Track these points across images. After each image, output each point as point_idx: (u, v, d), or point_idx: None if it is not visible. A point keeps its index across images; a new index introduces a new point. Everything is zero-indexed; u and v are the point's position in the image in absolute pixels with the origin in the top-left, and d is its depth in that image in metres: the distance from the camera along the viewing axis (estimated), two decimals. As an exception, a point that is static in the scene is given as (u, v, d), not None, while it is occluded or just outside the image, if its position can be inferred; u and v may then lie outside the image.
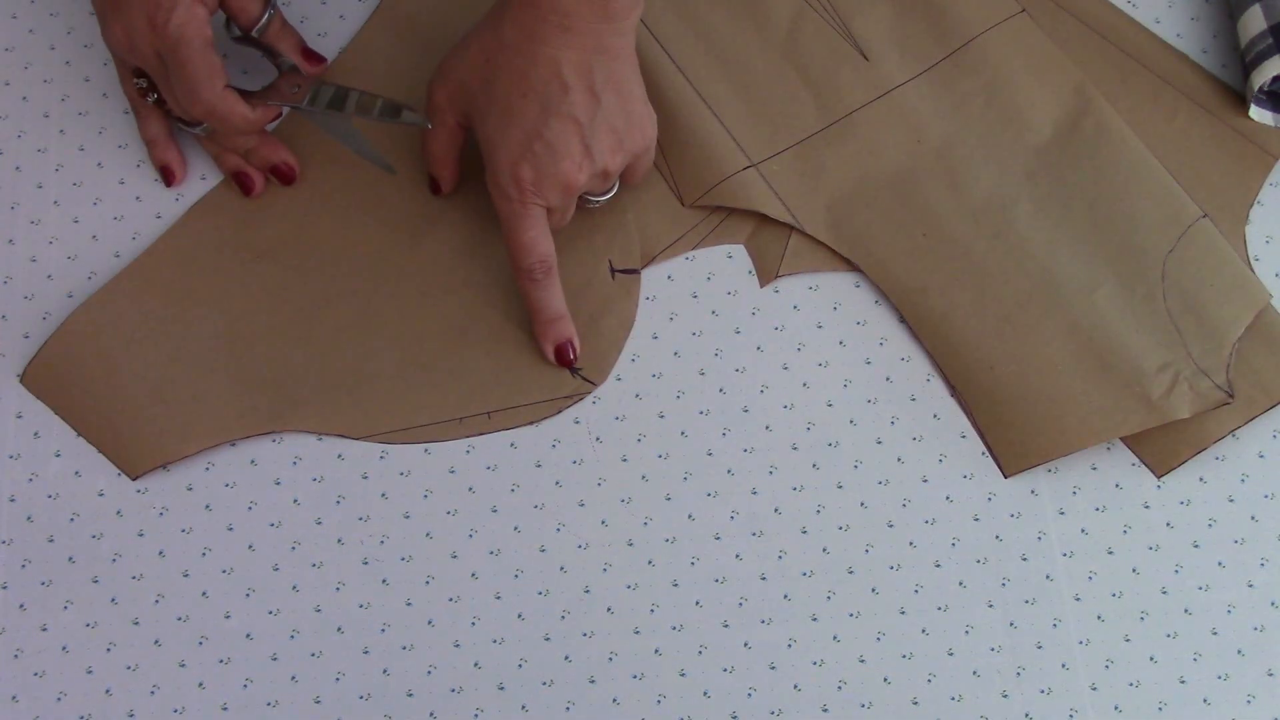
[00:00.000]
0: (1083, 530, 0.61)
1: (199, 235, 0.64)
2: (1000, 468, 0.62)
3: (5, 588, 0.58)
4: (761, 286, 0.65)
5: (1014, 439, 0.61)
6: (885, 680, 0.58)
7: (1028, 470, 0.61)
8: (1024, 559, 0.60)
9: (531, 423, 0.61)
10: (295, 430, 0.60)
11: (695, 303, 0.64)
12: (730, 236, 0.65)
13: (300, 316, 0.63)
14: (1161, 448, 0.62)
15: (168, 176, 0.65)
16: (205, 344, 0.62)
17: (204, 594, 0.58)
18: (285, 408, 0.61)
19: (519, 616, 0.59)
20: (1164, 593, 0.60)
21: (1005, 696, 0.58)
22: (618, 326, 0.63)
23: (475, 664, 0.58)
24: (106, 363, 0.61)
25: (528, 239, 0.59)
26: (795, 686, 0.58)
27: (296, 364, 0.62)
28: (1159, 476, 0.62)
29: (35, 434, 0.60)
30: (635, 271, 0.64)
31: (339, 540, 0.59)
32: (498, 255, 0.64)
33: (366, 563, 0.59)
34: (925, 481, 0.62)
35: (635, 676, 0.58)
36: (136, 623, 0.58)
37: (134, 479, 0.60)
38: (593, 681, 0.58)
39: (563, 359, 0.62)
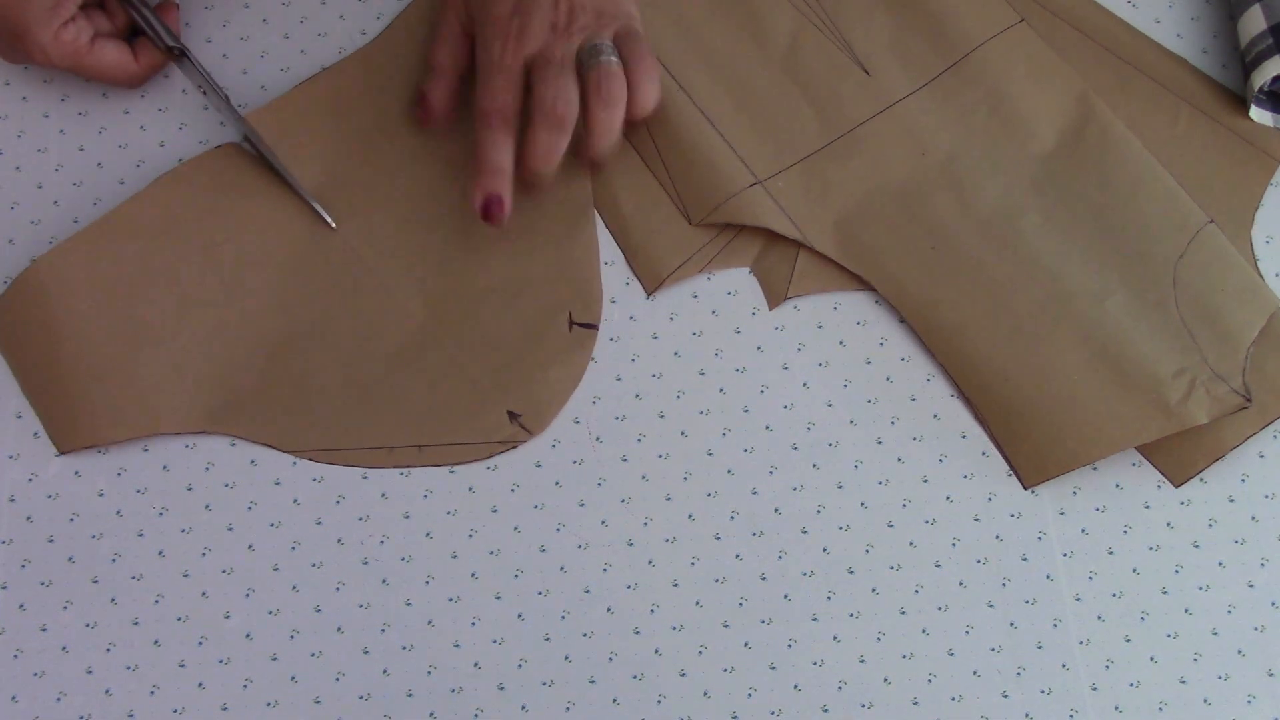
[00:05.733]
0: (1083, 530, 0.61)
1: (161, 208, 0.62)
2: (1020, 479, 0.62)
3: (5, 588, 0.58)
4: (771, 309, 0.64)
5: (1033, 450, 0.61)
6: (885, 680, 0.58)
7: (1048, 481, 0.61)
8: (1024, 559, 0.60)
9: (461, 463, 0.60)
10: (226, 434, 0.60)
11: (695, 303, 0.64)
12: (738, 258, 0.65)
13: (250, 317, 0.61)
14: (1178, 457, 0.62)
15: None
16: (150, 327, 0.60)
17: (204, 594, 0.58)
18: (221, 408, 0.60)
19: (519, 616, 0.59)
20: (1164, 593, 0.60)
21: (1005, 696, 0.58)
22: (565, 379, 0.62)
23: (475, 664, 0.58)
24: (49, 331, 0.60)
25: (493, 84, 0.61)
26: (795, 686, 0.58)
27: (239, 365, 0.60)
28: (1176, 486, 0.62)
29: (35, 434, 0.60)
30: (593, 327, 0.63)
31: (339, 540, 0.59)
32: (454, 287, 0.63)
33: (366, 563, 0.59)
34: (925, 481, 0.62)
35: (635, 676, 0.58)
36: (136, 623, 0.58)
37: (60, 454, 0.59)
38: (593, 681, 0.58)
39: (488, 213, 0.60)
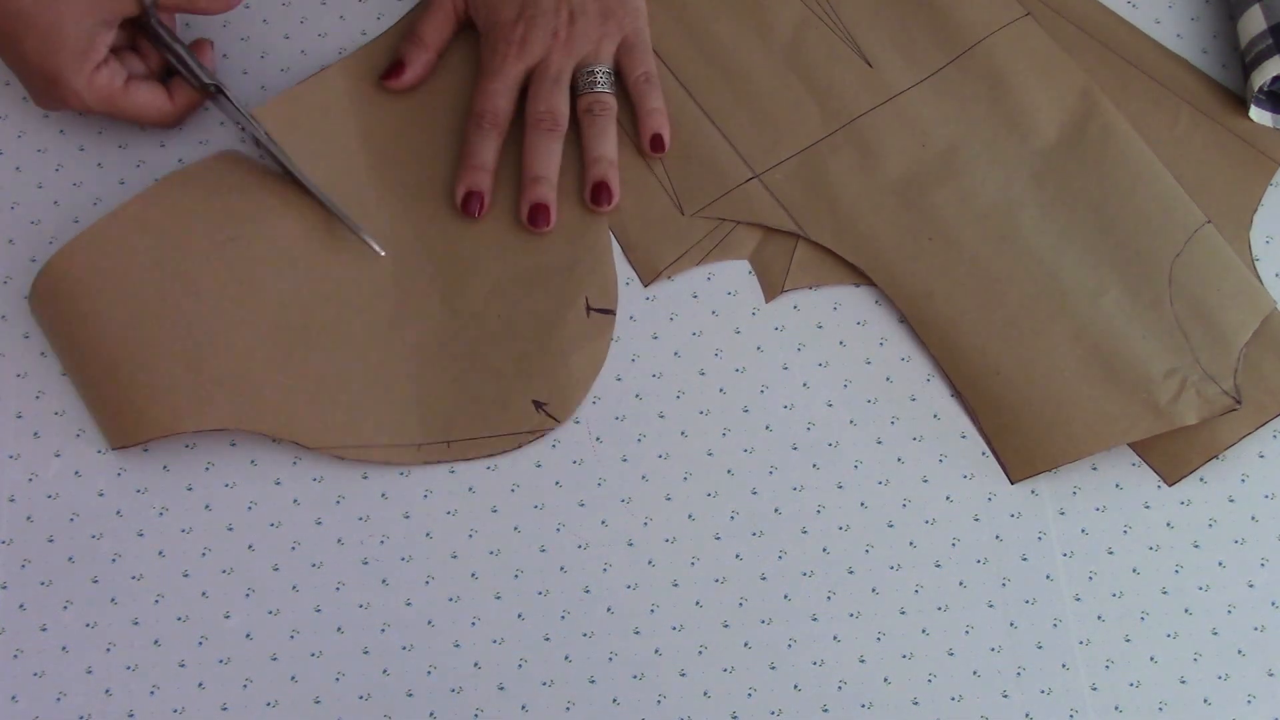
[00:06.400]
0: (1083, 530, 0.61)
1: (171, 204, 0.62)
2: (1007, 474, 0.62)
3: (5, 588, 0.58)
4: (767, 301, 0.64)
5: (1020, 445, 0.61)
6: (885, 680, 0.58)
7: (1035, 477, 0.61)
8: (1024, 559, 0.60)
9: (491, 455, 0.61)
10: (250, 431, 0.59)
11: (695, 303, 0.64)
12: (736, 250, 0.65)
13: (267, 312, 0.61)
14: (1172, 455, 0.62)
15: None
16: (165, 325, 0.59)
17: (204, 594, 0.58)
18: (242, 406, 0.59)
19: (519, 616, 0.59)
20: (1164, 593, 0.60)
21: (1005, 696, 0.58)
22: (587, 365, 0.62)
23: (475, 664, 0.58)
24: (66, 332, 0.60)
25: (490, 88, 0.64)
26: (795, 686, 0.58)
27: (258, 361, 0.60)
28: (1170, 484, 0.62)
29: (35, 434, 0.60)
30: (610, 312, 0.63)
31: (339, 540, 0.59)
32: (469, 281, 0.63)
33: (366, 563, 0.59)
34: (925, 481, 0.62)
35: (635, 676, 0.58)
36: (136, 623, 0.58)
37: (114, 449, 0.60)
38: (593, 681, 0.58)
39: (467, 207, 0.63)
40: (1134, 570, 0.60)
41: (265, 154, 0.64)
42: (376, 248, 0.63)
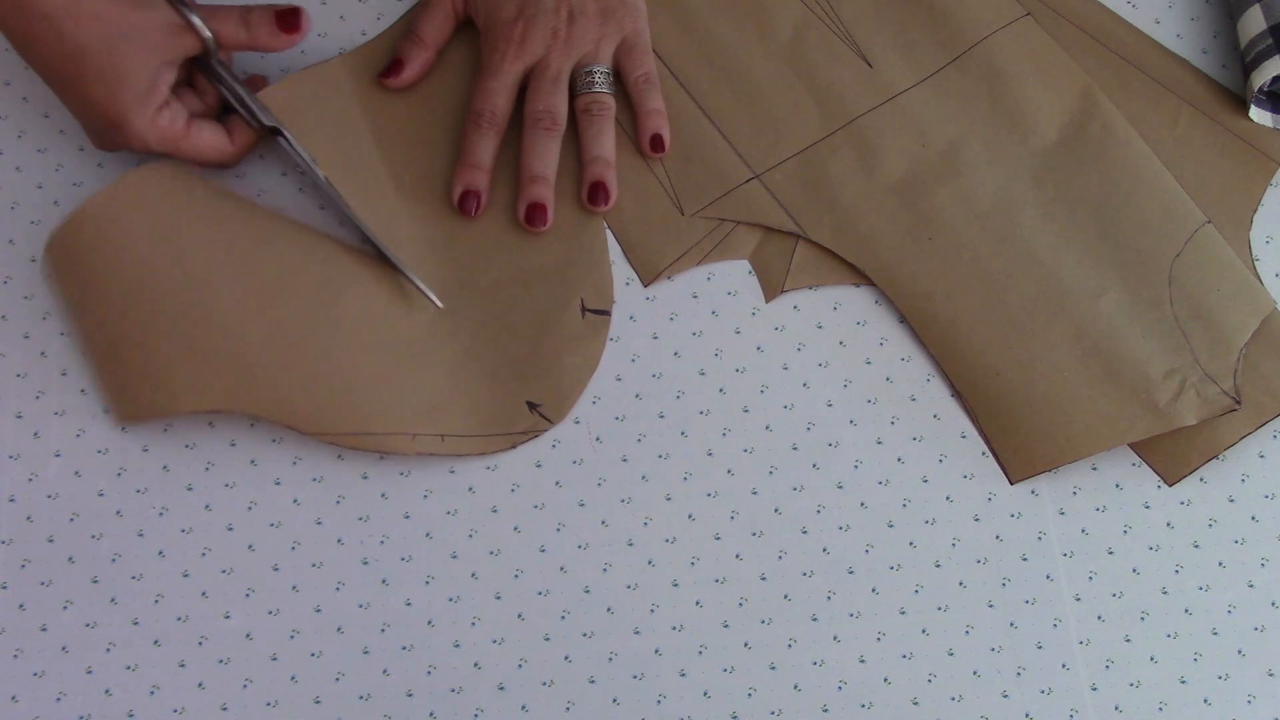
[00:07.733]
0: (1083, 530, 0.61)
1: (170, 179, 0.61)
2: (1006, 474, 0.62)
3: (5, 588, 0.58)
4: (767, 301, 0.64)
5: (1020, 445, 0.61)
6: (885, 680, 0.58)
7: (1035, 477, 0.61)
8: (1024, 559, 0.60)
9: (483, 454, 0.60)
10: (245, 413, 0.59)
11: (695, 303, 0.64)
12: (736, 251, 0.65)
13: (264, 293, 0.60)
14: (1172, 455, 0.62)
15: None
16: (160, 301, 0.58)
17: (204, 594, 0.58)
18: (237, 387, 0.58)
19: (519, 616, 0.59)
20: (1164, 593, 0.60)
21: (1005, 696, 0.58)
22: (582, 366, 0.62)
23: (475, 664, 0.58)
24: (69, 305, 0.60)
25: (488, 87, 0.64)
26: (795, 686, 0.58)
27: (254, 343, 0.59)
28: (1170, 484, 0.62)
29: (35, 434, 0.60)
30: (606, 313, 0.63)
31: (339, 540, 0.59)
32: (466, 280, 0.63)
33: (366, 563, 0.59)
34: (925, 482, 0.62)
35: (635, 676, 0.58)
36: (136, 623, 0.58)
37: (120, 425, 0.60)
38: (593, 681, 0.58)
39: (464, 206, 0.63)
40: (1134, 570, 0.60)
41: (324, 199, 0.64)
42: (434, 299, 0.62)
